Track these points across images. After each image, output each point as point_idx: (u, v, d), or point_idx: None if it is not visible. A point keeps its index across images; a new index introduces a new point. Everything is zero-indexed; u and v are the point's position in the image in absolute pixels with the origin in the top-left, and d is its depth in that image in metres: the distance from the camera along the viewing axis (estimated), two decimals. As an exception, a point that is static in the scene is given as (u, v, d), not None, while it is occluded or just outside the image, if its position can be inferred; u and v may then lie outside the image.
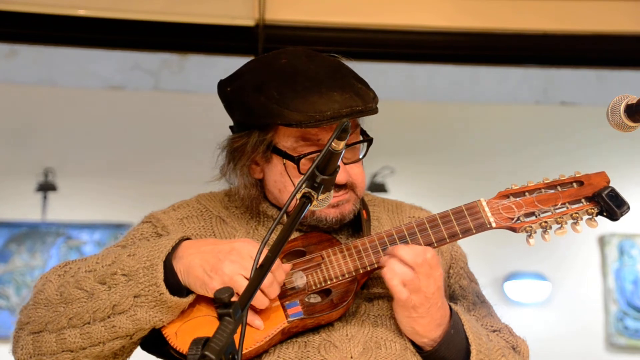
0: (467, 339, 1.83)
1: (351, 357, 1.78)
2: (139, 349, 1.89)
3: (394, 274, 1.75)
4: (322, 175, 1.64)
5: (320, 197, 1.67)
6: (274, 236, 1.62)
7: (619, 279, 5.77)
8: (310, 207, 1.65)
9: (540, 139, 5.78)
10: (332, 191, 1.74)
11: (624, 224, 5.73)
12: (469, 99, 6.04)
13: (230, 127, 1.99)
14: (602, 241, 5.82)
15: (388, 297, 1.89)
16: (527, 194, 1.84)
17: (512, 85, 5.96)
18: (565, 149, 5.57)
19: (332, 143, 1.62)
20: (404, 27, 4.82)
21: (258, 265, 1.51)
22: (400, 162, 5.77)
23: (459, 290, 2.04)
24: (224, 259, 1.73)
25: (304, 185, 1.64)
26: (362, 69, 1.95)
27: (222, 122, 2.01)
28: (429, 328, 1.79)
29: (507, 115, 6.06)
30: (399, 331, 1.85)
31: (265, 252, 1.54)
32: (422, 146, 5.92)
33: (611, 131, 1.83)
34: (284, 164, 1.87)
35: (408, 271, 1.75)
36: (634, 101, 1.74)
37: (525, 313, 5.70)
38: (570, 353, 5.48)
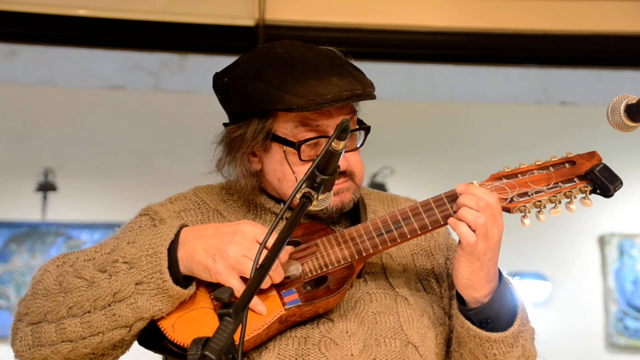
0: (513, 297, 1.85)
1: (351, 355, 1.78)
2: (140, 348, 1.88)
3: (462, 217, 1.76)
4: (322, 175, 1.65)
5: (320, 197, 1.67)
6: (273, 234, 1.63)
7: (619, 279, 5.77)
8: (310, 207, 1.65)
9: (540, 139, 5.78)
10: (332, 191, 1.74)
11: (624, 224, 5.77)
12: (469, 99, 6.04)
13: (225, 125, 1.98)
14: (602, 241, 5.82)
15: (386, 293, 1.90)
16: (519, 175, 1.85)
17: (512, 85, 5.96)
18: (565, 149, 5.54)
19: (332, 143, 1.62)
20: (404, 27, 4.82)
21: (258, 266, 1.52)
22: (400, 162, 5.77)
23: None
24: (228, 242, 1.73)
25: (304, 185, 1.64)
26: (362, 69, 1.95)
27: (222, 122, 2.01)
28: (483, 282, 1.79)
29: (507, 115, 6.06)
30: (399, 328, 1.85)
31: (266, 248, 1.55)
32: (422, 146, 5.92)
33: (611, 131, 1.83)
34: (284, 151, 1.87)
35: (476, 214, 1.75)
36: (634, 101, 1.74)
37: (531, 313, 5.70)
38: (570, 353, 5.47)
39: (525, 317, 1.87)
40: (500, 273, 1.85)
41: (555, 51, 5.02)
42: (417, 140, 5.95)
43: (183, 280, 1.76)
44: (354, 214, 1.98)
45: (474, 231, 1.75)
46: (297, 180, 1.85)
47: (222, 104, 1.98)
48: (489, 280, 1.80)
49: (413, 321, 1.88)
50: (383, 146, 5.22)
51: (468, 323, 1.81)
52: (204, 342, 1.29)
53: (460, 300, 1.85)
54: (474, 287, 1.80)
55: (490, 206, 1.76)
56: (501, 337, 1.80)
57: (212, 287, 1.78)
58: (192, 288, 1.77)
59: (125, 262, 1.76)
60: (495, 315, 1.82)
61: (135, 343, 1.87)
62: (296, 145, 1.85)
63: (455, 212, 1.80)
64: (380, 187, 5.69)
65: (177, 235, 1.77)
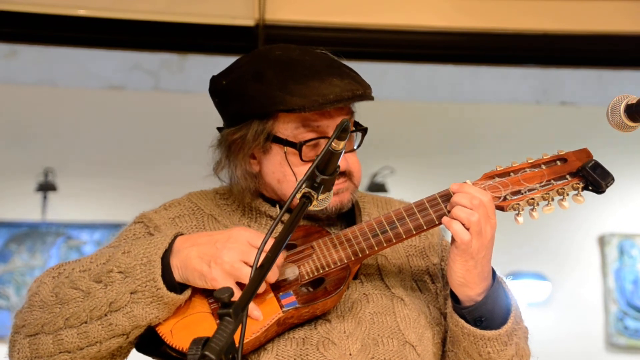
0: (506, 295, 1.86)
1: (350, 354, 1.78)
2: (137, 354, 1.88)
3: (456, 216, 1.76)
4: (322, 175, 1.65)
5: (320, 197, 1.68)
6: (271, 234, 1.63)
7: (619, 279, 5.77)
8: (310, 207, 1.65)
9: (540, 139, 5.78)
10: (332, 191, 1.74)
11: (624, 224, 5.77)
12: (469, 99, 6.04)
13: (219, 129, 1.98)
14: (602, 241, 5.82)
15: (383, 294, 1.91)
16: (512, 174, 1.85)
17: (512, 85, 5.96)
18: (566, 149, 5.54)
19: (332, 143, 1.62)
20: (404, 27, 4.83)
21: (258, 265, 1.52)
22: (400, 162, 5.77)
23: None
24: (222, 248, 1.73)
25: (304, 185, 1.65)
26: (362, 69, 1.95)
27: (222, 123, 2.00)
28: (477, 280, 1.80)
29: (507, 115, 6.06)
30: (396, 328, 1.86)
31: (266, 248, 1.55)
32: (422, 146, 5.92)
33: (611, 131, 1.83)
34: (285, 152, 1.87)
35: (470, 212, 1.75)
36: (634, 101, 1.74)
37: (525, 313, 5.70)
38: (570, 353, 5.47)
39: (518, 316, 1.87)
40: (493, 272, 1.86)
41: (555, 51, 5.03)
42: (417, 140, 5.95)
43: (178, 286, 1.76)
44: (349, 216, 1.98)
45: (467, 229, 1.76)
46: (297, 181, 1.85)
47: (218, 107, 1.98)
48: (483, 279, 1.81)
49: (410, 321, 1.88)
50: (383, 146, 5.22)
51: (462, 321, 1.82)
52: (204, 342, 1.29)
53: (455, 298, 1.85)
54: (468, 285, 1.80)
55: (483, 204, 1.77)
56: (495, 335, 1.81)
57: (209, 292, 1.78)
58: (187, 293, 1.77)
59: (120, 272, 1.76)
60: (489, 314, 1.83)
61: (134, 349, 1.88)
62: (298, 146, 1.85)
63: (449, 211, 1.80)
64: (380, 187, 5.69)
65: (171, 244, 1.78)
